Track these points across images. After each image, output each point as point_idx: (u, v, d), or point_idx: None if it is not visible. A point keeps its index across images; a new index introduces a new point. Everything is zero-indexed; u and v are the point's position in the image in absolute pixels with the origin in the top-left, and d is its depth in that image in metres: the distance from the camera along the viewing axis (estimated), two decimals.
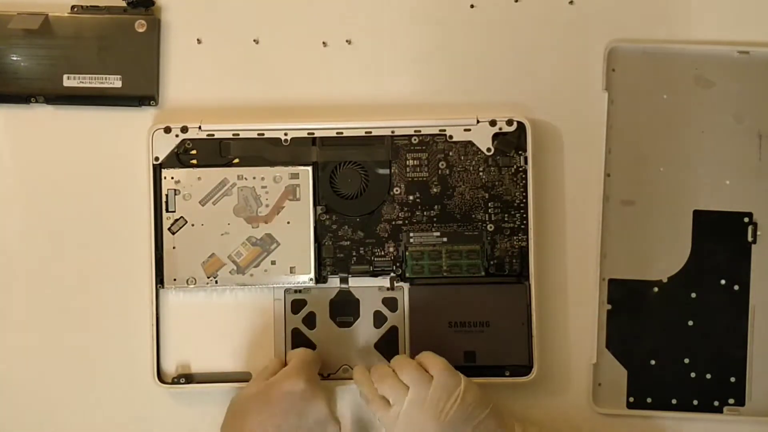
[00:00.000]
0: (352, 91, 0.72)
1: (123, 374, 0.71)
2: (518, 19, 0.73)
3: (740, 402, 0.70)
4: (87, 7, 0.72)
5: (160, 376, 0.69)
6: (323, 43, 0.73)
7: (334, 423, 0.65)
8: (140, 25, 0.72)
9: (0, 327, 0.71)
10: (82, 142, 0.72)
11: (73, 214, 0.72)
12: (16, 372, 0.71)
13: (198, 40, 0.73)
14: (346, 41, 0.73)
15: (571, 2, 0.73)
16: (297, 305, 0.70)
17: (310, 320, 0.70)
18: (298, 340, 0.70)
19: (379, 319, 0.70)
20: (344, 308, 0.70)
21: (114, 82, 0.71)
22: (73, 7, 0.72)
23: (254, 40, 0.73)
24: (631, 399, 0.70)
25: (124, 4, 0.71)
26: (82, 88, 0.71)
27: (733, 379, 0.70)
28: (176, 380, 0.69)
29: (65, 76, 0.71)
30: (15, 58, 0.71)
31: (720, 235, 0.71)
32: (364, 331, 0.70)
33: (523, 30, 0.73)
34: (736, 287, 0.71)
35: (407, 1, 0.73)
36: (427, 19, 0.73)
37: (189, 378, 0.69)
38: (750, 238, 0.71)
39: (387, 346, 0.70)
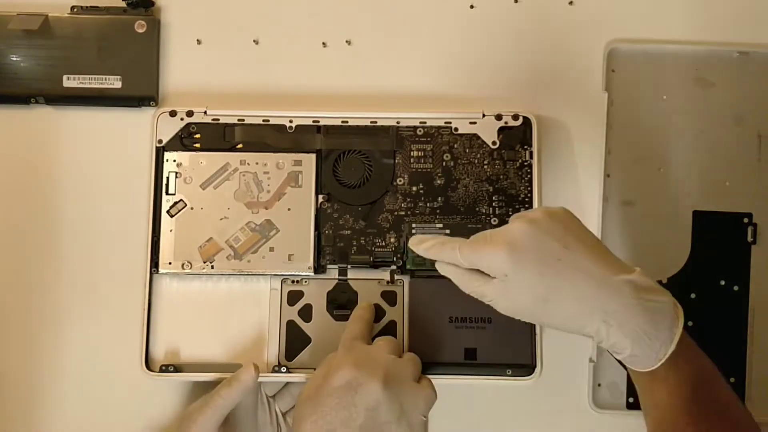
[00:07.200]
0: (354, 89, 0.72)
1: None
2: (518, 19, 0.73)
3: None
4: (87, 7, 0.72)
5: (149, 364, 0.68)
6: (323, 43, 0.73)
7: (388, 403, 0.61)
8: (140, 26, 0.72)
9: None
10: (82, 142, 0.72)
11: (73, 214, 0.71)
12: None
13: (198, 40, 0.73)
14: (346, 41, 0.73)
15: (570, 2, 0.73)
16: (293, 296, 0.69)
17: (306, 312, 0.69)
18: (292, 332, 0.69)
19: (377, 313, 0.69)
20: (342, 301, 0.69)
21: (114, 82, 0.71)
22: (72, 7, 0.72)
23: (254, 41, 0.73)
24: (631, 399, 0.70)
25: (123, 4, 0.71)
26: (82, 89, 0.71)
27: (733, 379, 0.70)
28: (164, 368, 0.68)
29: (65, 77, 0.71)
30: (15, 59, 0.71)
31: (720, 236, 0.71)
32: None
33: (523, 31, 0.73)
34: (736, 287, 0.71)
35: (407, 2, 0.73)
36: (427, 20, 0.73)
37: (178, 367, 0.68)
38: (750, 239, 0.71)
39: None
